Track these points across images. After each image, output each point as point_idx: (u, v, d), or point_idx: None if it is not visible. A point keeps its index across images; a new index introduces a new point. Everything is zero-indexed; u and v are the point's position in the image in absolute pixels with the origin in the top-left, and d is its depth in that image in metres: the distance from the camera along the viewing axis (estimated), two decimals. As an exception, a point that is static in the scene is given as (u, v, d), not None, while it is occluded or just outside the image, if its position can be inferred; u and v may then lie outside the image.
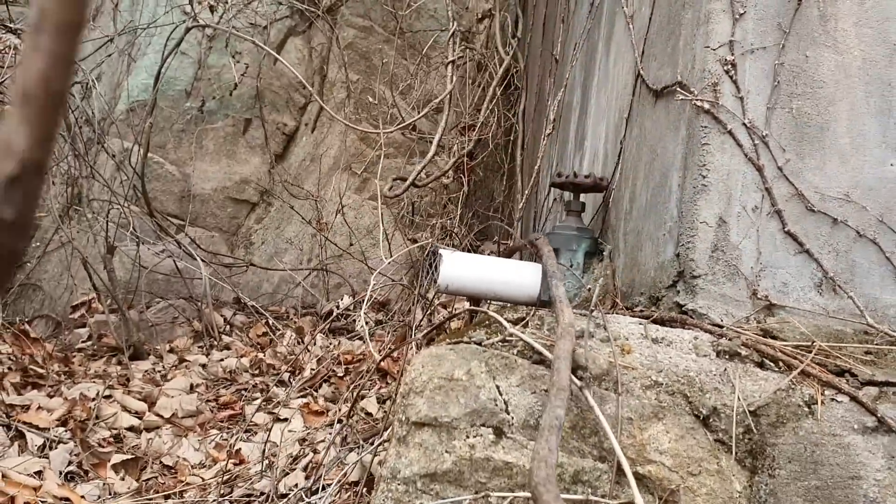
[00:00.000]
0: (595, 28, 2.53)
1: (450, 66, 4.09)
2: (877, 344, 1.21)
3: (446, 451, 1.04)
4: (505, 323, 1.17)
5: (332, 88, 5.17)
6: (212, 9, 4.35)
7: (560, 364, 0.98)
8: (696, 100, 1.33)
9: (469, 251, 4.56)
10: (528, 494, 0.78)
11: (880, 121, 1.30)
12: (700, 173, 1.31)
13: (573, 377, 1.02)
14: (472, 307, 2.52)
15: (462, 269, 2.00)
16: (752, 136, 1.30)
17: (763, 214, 1.30)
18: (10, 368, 3.41)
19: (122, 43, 4.25)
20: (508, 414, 1.07)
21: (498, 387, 1.08)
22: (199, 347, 3.95)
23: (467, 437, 1.05)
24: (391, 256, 4.71)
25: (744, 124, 1.31)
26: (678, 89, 1.40)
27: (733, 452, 1.06)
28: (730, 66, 1.31)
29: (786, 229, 1.29)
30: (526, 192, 3.62)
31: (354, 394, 3.15)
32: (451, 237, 4.57)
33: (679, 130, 1.41)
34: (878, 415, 1.06)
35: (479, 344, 1.14)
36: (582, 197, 2.08)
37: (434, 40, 5.24)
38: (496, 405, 1.07)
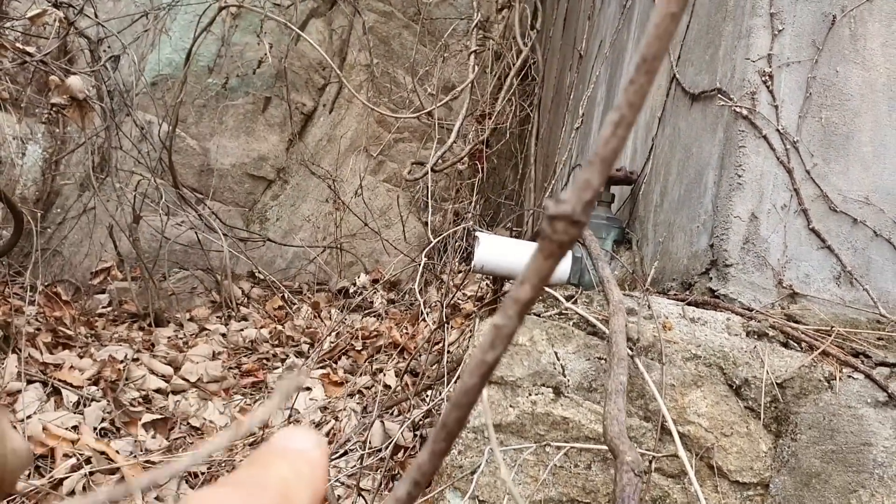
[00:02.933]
0: (625, 28, 2.67)
1: (471, 56, 4.21)
2: (888, 331, 1.36)
3: (511, 406, 1.19)
4: (562, 298, 1.31)
5: (352, 71, 5.28)
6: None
7: (618, 337, 1.12)
8: (736, 106, 1.47)
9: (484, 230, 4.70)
10: (605, 447, 0.92)
11: (900, 133, 1.45)
12: (736, 172, 1.45)
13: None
14: (494, 287, 2.66)
15: (496, 251, 2.15)
16: (785, 142, 1.45)
17: (791, 212, 1.45)
18: (38, 329, 3.54)
19: (151, 17, 4.34)
20: (565, 377, 1.22)
21: (556, 353, 1.23)
22: (217, 317, 4.09)
23: (529, 394, 1.19)
24: (405, 238, 4.86)
25: (777, 130, 1.45)
26: (718, 95, 1.54)
27: (761, 418, 1.21)
28: (767, 77, 1.46)
29: (810, 226, 1.44)
30: (544, 181, 3.76)
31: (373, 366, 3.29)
32: (464, 222, 4.70)
33: (716, 132, 1.55)
34: (889, 391, 1.21)
35: (539, 315, 1.29)
36: (612, 189, 2.22)
37: (453, 28, 5.37)
38: (555, 368, 1.22)
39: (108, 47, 3.92)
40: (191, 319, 4.04)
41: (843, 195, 1.45)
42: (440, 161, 4.45)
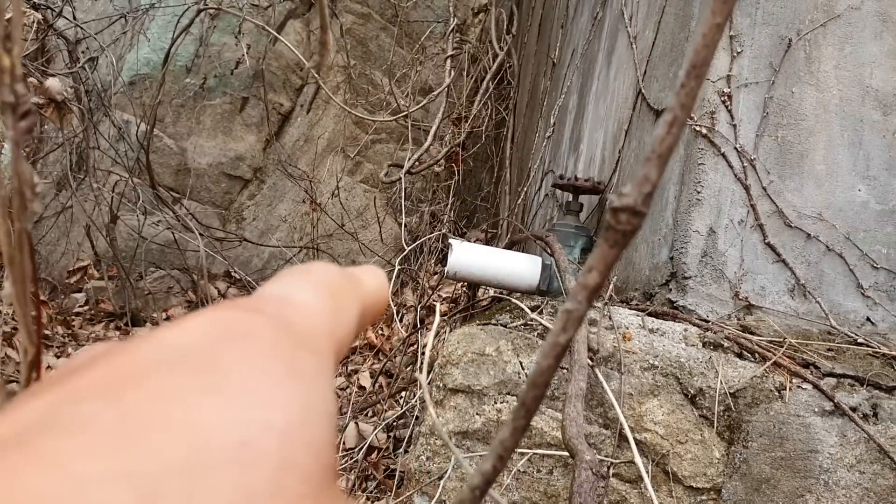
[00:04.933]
0: (595, 39, 2.73)
1: (448, 61, 4.26)
2: (838, 343, 1.43)
3: (477, 414, 1.24)
4: (527, 309, 1.37)
5: (329, 72, 5.31)
6: (218, -11, 4.46)
7: (579, 346, 1.18)
8: (696, 125, 1.53)
9: (457, 237, 4.76)
10: (566, 453, 0.98)
11: (852, 152, 1.52)
12: (696, 189, 1.52)
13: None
14: (470, 291, 2.72)
15: (469, 258, 2.20)
16: (742, 159, 1.51)
17: (747, 227, 1.51)
18: (15, 329, 3.54)
19: (129, 18, 4.34)
20: (529, 386, 1.27)
21: (521, 363, 1.28)
22: (194, 317, 4.10)
23: (495, 402, 1.24)
24: (381, 239, 4.89)
25: (735, 148, 1.52)
26: (680, 113, 1.60)
27: (715, 426, 1.27)
28: (726, 98, 1.52)
29: (766, 241, 1.50)
30: (518, 185, 3.82)
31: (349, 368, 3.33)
32: (440, 223, 4.75)
33: (678, 147, 1.61)
34: (835, 401, 1.28)
35: (505, 326, 1.34)
36: (580, 198, 2.28)
37: (430, 31, 5.41)
38: (520, 377, 1.27)
39: (87, 48, 3.92)
40: (167, 319, 4.05)
41: (797, 211, 1.51)
42: (417, 163, 4.49)
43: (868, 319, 1.49)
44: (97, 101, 4.09)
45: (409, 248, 2.67)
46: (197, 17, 4.30)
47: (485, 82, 4.86)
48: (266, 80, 5.01)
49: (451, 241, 2.25)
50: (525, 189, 3.64)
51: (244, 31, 4.74)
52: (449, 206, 4.47)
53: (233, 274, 4.55)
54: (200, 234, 4.18)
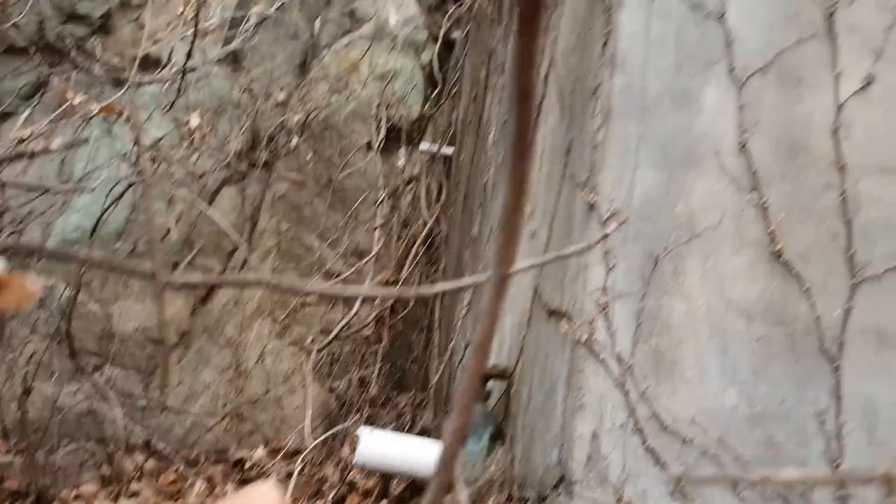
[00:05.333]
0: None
1: (377, 230, 4.43)
2: (714, 549, 1.47)
3: None
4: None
5: (262, 236, 5.42)
6: (153, 160, 4.60)
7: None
8: (577, 331, 1.63)
9: (385, 404, 4.75)
10: None
11: (719, 358, 1.63)
12: (579, 394, 1.59)
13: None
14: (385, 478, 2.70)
15: (377, 448, 2.21)
16: (621, 366, 1.60)
17: (628, 431, 1.58)
18: None
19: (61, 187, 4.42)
20: None
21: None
22: (106, 493, 3.93)
23: None
24: (309, 406, 4.84)
25: (613, 355, 1.61)
26: (564, 318, 1.70)
27: None
28: (604, 308, 1.63)
29: (646, 444, 1.57)
30: (445, 349, 3.88)
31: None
32: (369, 388, 4.74)
33: (565, 351, 1.70)
34: None
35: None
36: (489, 384, 2.34)
37: (364, 197, 5.62)
38: None
39: (14, 219, 3.96)
40: (77, 497, 3.87)
41: (673, 415, 1.60)
42: (346, 328, 4.54)
43: (745, 522, 1.54)
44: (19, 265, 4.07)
45: (312, 445, 2.67)
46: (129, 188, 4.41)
47: (415, 247, 5.02)
48: (198, 245, 5.08)
49: (359, 431, 2.27)
50: (449, 359, 3.70)
51: (177, 198, 4.86)
52: (376, 371, 4.49)
53: (153, 444, 4.41)
54: (119, 405, 4.08)
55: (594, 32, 1.86)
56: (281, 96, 5.67)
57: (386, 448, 2.25)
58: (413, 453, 2.23)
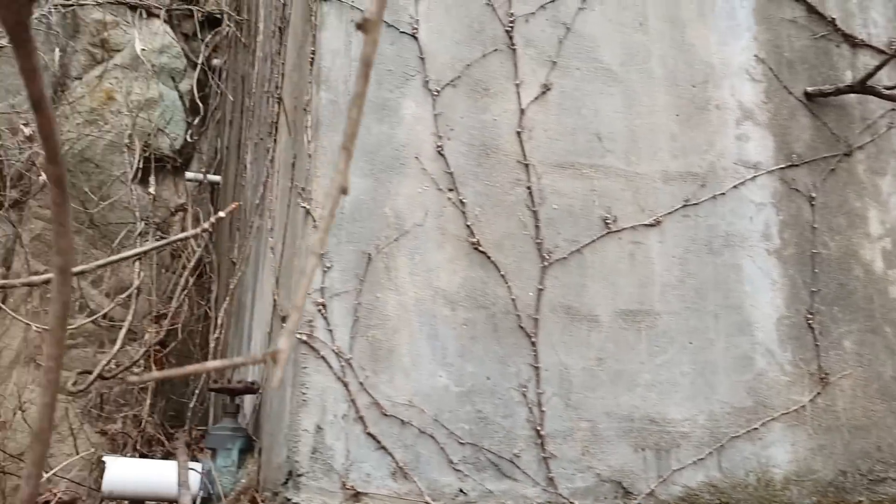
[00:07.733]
0: (255, 245, 2.93)
1: (137, 263, 4.26)
2: (430, 517, 1.61)
3: None
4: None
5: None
6: None
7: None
8: (297, 333, 1.71)
9: (161, 440, 4.56)
10: None
11: (431, 343, 1.78)
12: (302, 391, 1.67)
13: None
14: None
15: (125, 475, 2.16)
16: (340, 360, 1.70)
17: (350, 420, 1.68)
18: None
19: None
20: None
21: None
22: None
23: None
24: (76, 451, 4.54)
25: (333, 350, 1.71)
26: (283, 322, 1.78)
27: None
28: (322, 307, 1.73)
29: (367, 431, 1.68)
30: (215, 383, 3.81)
31: None
32: (143, 427, 4.54)
33: (292, 353, 1.77)
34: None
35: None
36: (239, 398, 2.36)
37: (128, 230, 5.38)
38: None
39: None
40: None
41: (391, 401, 1.72)
42: (112, 367, 4.32)
43: (461, 490, 1.69)
44: None
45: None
46: None
47: (184, 278, 4.89)
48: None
49: (105, 458, 2.20)
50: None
51: None
52: (147, 407, 4.31)
53: None
54: None
55: (305, 51, 1.98)
56: (27, 131, 5.31)
57: (135, 473, 2.20)
58: (162, 477, 2.20)
